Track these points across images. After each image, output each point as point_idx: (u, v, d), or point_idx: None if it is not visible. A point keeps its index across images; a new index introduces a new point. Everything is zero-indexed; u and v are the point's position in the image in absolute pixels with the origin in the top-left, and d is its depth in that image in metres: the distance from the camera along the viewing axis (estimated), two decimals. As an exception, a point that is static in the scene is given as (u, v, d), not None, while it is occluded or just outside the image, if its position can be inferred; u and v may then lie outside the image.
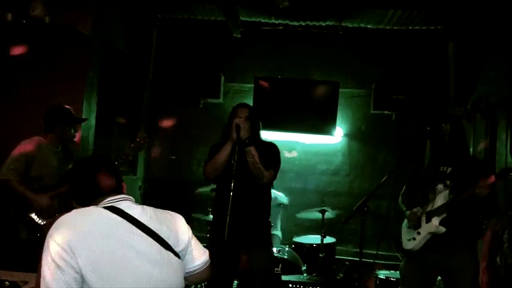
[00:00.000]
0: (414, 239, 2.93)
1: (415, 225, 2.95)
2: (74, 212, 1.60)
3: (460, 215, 2.80)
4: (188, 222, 1.84)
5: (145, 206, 1.72)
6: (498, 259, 2.60)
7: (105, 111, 4.60)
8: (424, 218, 2.90)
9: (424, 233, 2.88)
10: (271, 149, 3.06)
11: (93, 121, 4.31)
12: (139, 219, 1.64)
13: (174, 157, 3.38)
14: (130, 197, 1.72)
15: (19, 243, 2.93)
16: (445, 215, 2.81)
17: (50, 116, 3.25)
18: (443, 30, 5.11)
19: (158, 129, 5.87)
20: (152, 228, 1.64)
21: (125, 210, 1.64)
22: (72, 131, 3.28)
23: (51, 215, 2.88)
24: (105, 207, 1.62)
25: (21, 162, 3.04)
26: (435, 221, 2.83)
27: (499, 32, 4.15)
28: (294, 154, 5.60)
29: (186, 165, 5.74)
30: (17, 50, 4.09)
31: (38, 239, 2.90)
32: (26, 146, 3.10)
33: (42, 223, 2.93)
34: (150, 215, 1.69)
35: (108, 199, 1.66)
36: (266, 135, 5.21)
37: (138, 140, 3.41)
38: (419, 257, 2.92)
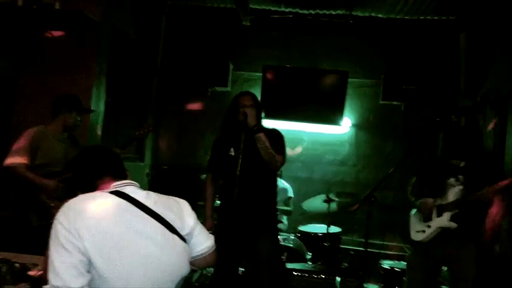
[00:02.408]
0: (424, 231, 2.94)
1: (426, 218, 2.96)
2: (81, 196, 1.62)
3: (471, 211, 2.83)
4: (194, 209, 1.86)
5: (149, 191, 1.74)
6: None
7: (114, 98, 4.62)
8: (435, 212, 2.91)
9: (434, 226, 2.90)
10: (276, 135, 3.06)
11: (102, 107, 4.33)
12: (144, 203, 1.66)
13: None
14: (135, 182, 1.74)
15: (31, 230, 2.96)
16: (456, 210, 2.84)
17: (59, 101, 3.28)
18: (455, 21, 5.03)
19: (166, 116, 5.89)
20: (157, 212, 1.66)
21: (130, 195, 1.66)
22: (79, 119, 3.30)
23: (61, 199, 2.91)
24: (111, 192, 1.65)
25: (27, 149, 3.06)
26: (446, 216, 2.85)
27: (510, 24, 4.09)
28: (299, 150, 5.60)
29: (193, 153, 5.77)
30: (27, 35, 4.10)
31: (49, 224, 2.95)
32: (30, 134, 3.12)
33: (52, 205, 2.98)
34: (154, 200, 1.71)
35: (113, 184, 1.69)
36: (274, 124, 5.31)
37: (144, 128, 3.50)
38: (427, 248, 2.94)
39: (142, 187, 1.77)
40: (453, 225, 2.83)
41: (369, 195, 2.88)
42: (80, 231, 1.49)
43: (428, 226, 2.92)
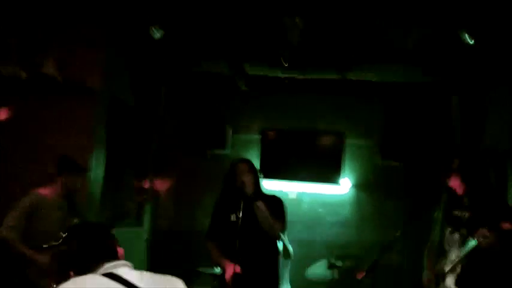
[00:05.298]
0: None
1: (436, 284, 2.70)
2: (72, 280, 1.56)
3: (475, 272, 2.55)
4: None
5: (143, 271, 1.69)
6: None
7: (114, 165, 4.63)
8: (440, 276, 2.67)
9: None
10: (276, 202, 3.04)
11: (101, 173, 4.33)
12: (138, 286, 1.60)
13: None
14: (128, 263, 1.70)
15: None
16: (458, 272, 2.58)
17: (60, 163, 3.27)
18: (445, 84, 5.16)
19: (165, 180, 5.88)
20: None
21: (123, 276, 1.60)
22: (80, 180, 3.28)
23: (51, 276, 2.81)
24: (104, 275, 1.59)
25: (21, 219, 3.00)
26: (449, 281, 2.61)
27: (499, 83, 4.20)
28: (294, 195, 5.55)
29: (192, 216, 5.69)
30: (26, 106, 4.19)
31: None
32: (25, 202, 3.08)
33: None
34: (148, 281, 1.65)
35: (105, 266, 1.64)
36: (273, 185, 5.32)
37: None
38: None
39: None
40: None
41: (374, 265, 2.77)
42: None
43: None
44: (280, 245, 4.66)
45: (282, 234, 3.00)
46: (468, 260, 2.55)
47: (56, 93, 4.12)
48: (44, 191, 3.17)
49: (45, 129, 4.13)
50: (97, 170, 4.24)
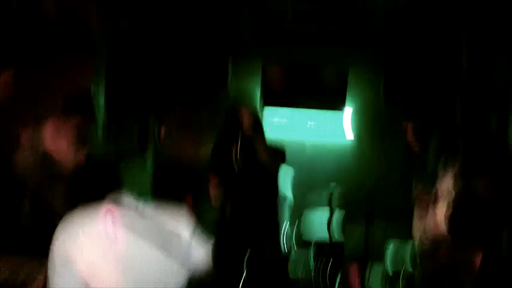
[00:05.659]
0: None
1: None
2: (75, 215, 1.62)
3: (467, 214, 2.55)
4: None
5: (144, 208, 1.74)
6: None
7: (114, 98, 4.63)
8: (431, 203, 2.63)
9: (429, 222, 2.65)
10: (275, 147, 3.08)
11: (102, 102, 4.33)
12: (140, 218, 1.66)
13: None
14: (131, 194, 1.75)
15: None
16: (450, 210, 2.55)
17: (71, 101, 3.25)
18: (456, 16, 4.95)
19: (168, 115, 5.88)
20: (154, 226, 1.66)
21: (125, 211, 1.66)
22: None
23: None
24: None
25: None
26: (440, 212, 2.55)
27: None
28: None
29: (195, 151, 5.77)
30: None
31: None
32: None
33: None
34: (150, 214, 1.71)
35: (109, 198, 1.69)
36: (277, 112, 5.33)
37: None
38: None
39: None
40: (443, 228, 2.53)
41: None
42: (74, 256, 1.49)
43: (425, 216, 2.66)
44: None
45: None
46: (459, 203, 2.54)
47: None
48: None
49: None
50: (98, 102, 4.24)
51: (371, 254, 3.06)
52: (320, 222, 4.65)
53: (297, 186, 5.08)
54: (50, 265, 1.50)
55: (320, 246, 4.47)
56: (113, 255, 1.56)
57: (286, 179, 4.73)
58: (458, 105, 2.58)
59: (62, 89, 3.61)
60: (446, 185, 2.53)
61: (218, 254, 1.90)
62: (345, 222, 4.45)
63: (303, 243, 4.62)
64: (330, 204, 4.40)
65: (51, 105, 3.37)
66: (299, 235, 4.88)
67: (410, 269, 3.85)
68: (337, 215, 4.48)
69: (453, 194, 2.53)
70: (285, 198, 4.85)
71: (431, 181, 2.71)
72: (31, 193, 3.01)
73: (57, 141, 3.27)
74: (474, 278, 2.49)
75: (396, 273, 3.94)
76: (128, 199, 1.72)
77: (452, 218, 2.51)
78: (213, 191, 3.05)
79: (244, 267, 3.11)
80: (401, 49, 5.30)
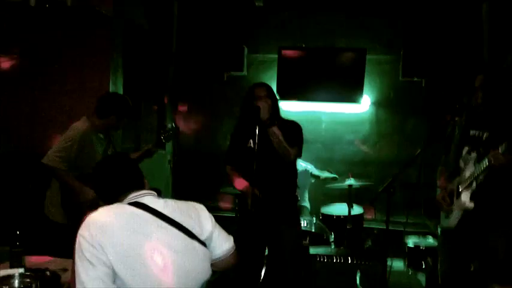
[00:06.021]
0: (448, 217, 2.72)
1: (450, 201, 2.70)
2: (101, 209, 1.66)
3: (491, 188, 2.53)
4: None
5: (167, 199, 1.78)
6: None
7: (132, 92, 4.66)
8: (455, 193, 2.66)
9: (455, 210, 2.66)
10: (294, 127, 3.04)
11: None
12: (163, 212, 1.70)
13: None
14: (153, 192, 1.79)
15: (56, 227, 3.02)
16: (474, 188, 2.56)
17: (110, 104, 3.15)
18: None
19: (184, 103, 5.91)
20: (176, 220, 1.70)
21: (149, 205, 1.70)
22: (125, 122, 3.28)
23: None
24: (130, 203, 1.69)
25: (72, 150, 2.94)
26: (464, 196, 2.58)
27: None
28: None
29: (213, 138, 5.80)
30: (40, 35, 4.14)
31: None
32: (77, 134, 2.98)
33: None
34: (172, 207, 1.75)
35: (131, 195, 1.73)
36: (291, 105, 5.29)
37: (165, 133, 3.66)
38: (455, 236, 2.71)
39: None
40: (470, 205, 2.54)
41: (388, 187, 2.82)
42: (103, 245, 1.54)
43: (451, 210, 2.68)
44: (304, 164, 4.80)
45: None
46: (484, 177, 2.53)
47: (68, 20, 4.04)
48: (89, 124, 3.09)
49: (60, 60, 4.13)
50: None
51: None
52: (340, 209, 4.67)
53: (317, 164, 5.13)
54: (78, 257, 1.56)
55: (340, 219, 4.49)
56: (140, 241, 1.61)
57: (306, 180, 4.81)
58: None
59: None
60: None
61: (240, 244, 1.94)
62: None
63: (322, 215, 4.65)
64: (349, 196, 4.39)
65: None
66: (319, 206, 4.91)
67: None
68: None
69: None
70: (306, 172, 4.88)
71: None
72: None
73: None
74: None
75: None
76: (151, 196, 1.76)
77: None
78: (234, 180, 3.07)
79: (265, 252, 3.15)
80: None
